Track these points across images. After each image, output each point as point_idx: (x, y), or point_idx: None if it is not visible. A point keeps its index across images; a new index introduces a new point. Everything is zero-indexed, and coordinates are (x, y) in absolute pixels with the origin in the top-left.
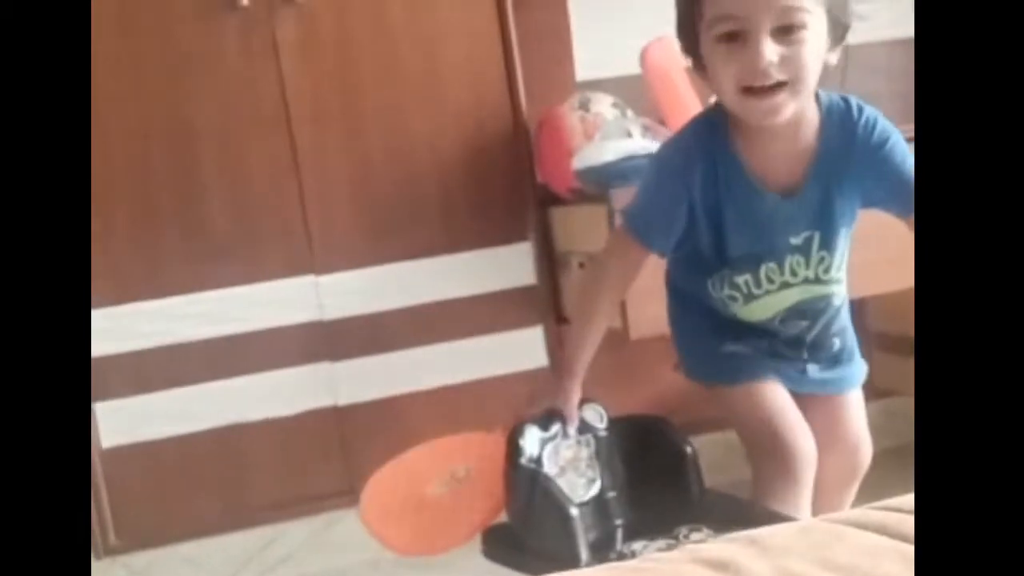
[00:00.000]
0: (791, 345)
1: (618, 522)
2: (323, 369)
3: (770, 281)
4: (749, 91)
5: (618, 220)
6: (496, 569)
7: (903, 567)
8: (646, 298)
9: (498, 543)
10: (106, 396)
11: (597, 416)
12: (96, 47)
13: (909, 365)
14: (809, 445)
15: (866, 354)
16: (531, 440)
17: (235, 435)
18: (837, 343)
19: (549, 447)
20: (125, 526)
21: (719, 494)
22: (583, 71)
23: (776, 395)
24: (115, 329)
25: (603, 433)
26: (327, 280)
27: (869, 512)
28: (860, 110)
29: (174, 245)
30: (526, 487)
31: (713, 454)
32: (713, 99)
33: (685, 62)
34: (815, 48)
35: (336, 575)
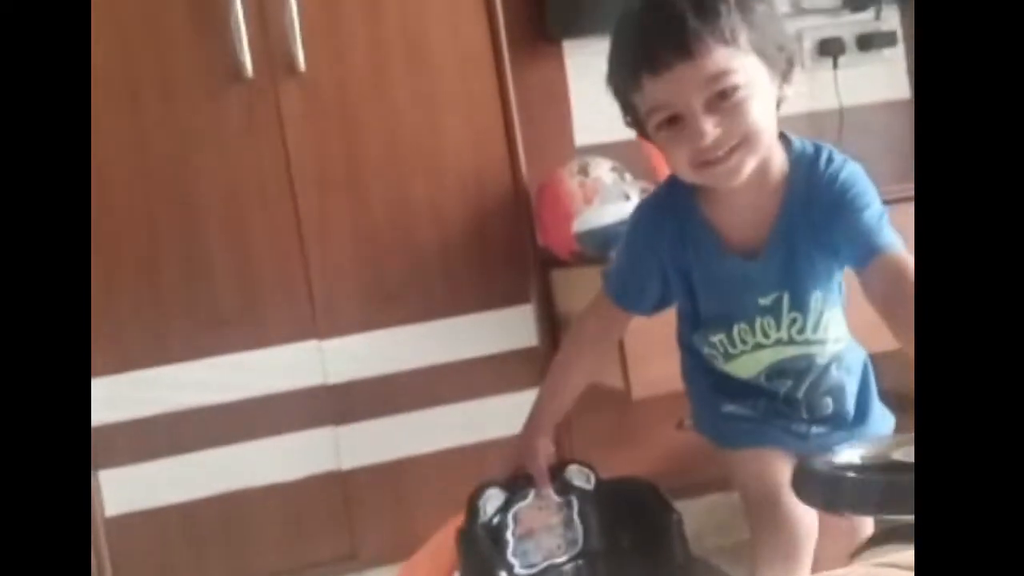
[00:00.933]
0: (788, 404)
1: None
2: (326, 433)
3: (743, 342)
4: (704, 163)
5: (601, 281)
6: None
7: None
8: (648, 358)
9: None
10: (109, 464)
11: (583, 477)
12: (101, 121)
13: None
14: (810, 517)
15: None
16: (492, 502)
17: (239, 501)
18: (829, 403)
19: (515, 508)
20: None
21: (706, 564)
22: (582, 136)
23: (779, 464)
24: (117, 397)
25: (588, 494)
26: (330, 345)
27: (872, 570)
28: (830, 159)
29: (177, 313)
30: (470, 550)
31: (721, 515)
32: None
33: None
34: (759, 99)
35: None
